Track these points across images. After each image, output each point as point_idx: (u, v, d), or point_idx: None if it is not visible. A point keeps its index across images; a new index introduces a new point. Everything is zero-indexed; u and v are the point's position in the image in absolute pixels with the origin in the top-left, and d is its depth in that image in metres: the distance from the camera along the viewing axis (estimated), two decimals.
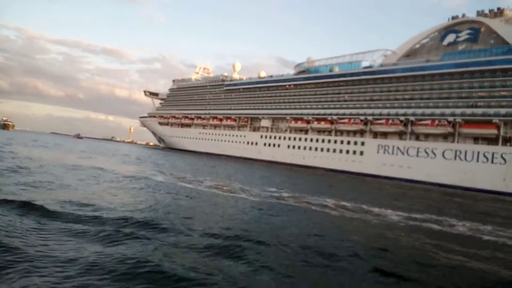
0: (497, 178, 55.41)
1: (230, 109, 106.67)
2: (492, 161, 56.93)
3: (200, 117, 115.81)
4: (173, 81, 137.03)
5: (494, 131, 57.65)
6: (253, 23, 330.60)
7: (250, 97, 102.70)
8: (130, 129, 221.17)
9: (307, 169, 75.56)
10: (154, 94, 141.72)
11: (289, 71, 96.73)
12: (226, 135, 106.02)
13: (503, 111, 57.28)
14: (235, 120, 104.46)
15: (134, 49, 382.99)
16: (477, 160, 58.37)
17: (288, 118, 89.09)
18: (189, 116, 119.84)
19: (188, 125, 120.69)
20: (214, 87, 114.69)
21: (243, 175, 38.51)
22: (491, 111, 58.43)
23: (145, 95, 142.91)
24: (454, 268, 9.83)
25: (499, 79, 59.20)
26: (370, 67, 77.80)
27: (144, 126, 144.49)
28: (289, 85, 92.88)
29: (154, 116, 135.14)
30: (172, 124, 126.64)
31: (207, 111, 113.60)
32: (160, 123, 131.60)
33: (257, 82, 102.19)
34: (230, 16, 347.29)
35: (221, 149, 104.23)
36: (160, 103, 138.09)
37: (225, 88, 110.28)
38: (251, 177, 37.00)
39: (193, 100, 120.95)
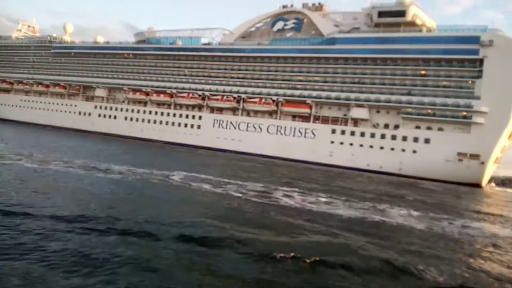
0: (308, 150, 65.31)
1: (59, 74, 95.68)
2: (305, 136, 66.67)
3: (21, 82, 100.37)
4: None
5: (308, 110, 67.36)
6: None
7: (83, 63, 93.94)
8: None
9: (145, 142, 74.41)
10: None
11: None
12: (54, 103, 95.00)
13: (314, 93, 67.26)
14: (64, 87, 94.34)
15: None
16: (294, 135, 67.48)
17: (125, 89, 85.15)
18: (8, 80, 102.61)
19: (7, 91, 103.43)
20: (40, 48, 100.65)
21: (73, 151, 35.22)
22: (306, 93, 67.90)
23: None
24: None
25: (313, 66, 68.93)
26: (209, 44, 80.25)
27: None
28: (128, 53, 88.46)
29: None
30: None
31: (29, 75, 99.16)
32: None
33: (92, 48, 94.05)
34: None
35: (48, 119, 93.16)
36: None
37: (53, 51, 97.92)
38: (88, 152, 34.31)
39: (12, 62, 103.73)
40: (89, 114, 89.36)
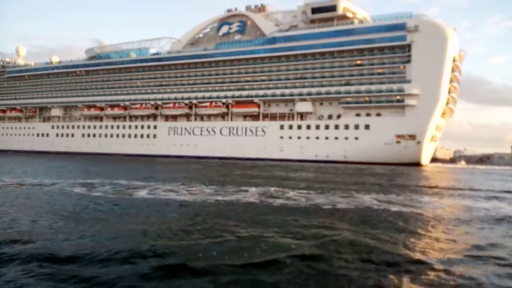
0: (261, 147, 67.33)
1: (15, 98, 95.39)
2: (256, 134, 68.70)
3: None
4: None
5: (256, 109, 69.47)
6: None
7: (37, 85, 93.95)
8: None
9: (104, 157, 74.97)
10: None
11: None
12: (11, 128, 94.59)
13: (261, 92, 69.41)
14: (21, 110, 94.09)
15: None
16: (246, 134, 69.46)
17: (80, 106, 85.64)
18: None
19: None
20: None
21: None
22: (253, 92, 70.01)
23: None
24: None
25: (258, 66, 71.13)
26: (158, 53, 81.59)
27: None
28: (80, 71, 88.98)
29: None
30: None
31: None
32: None
33: (44, 69, 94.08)
34: None
35: (8, 144, 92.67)
36: None
37: (7, 75, 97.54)
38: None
39: None
40: (47, 134, 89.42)
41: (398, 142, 58.85)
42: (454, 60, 58.97)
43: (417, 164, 58.32)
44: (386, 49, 61.84)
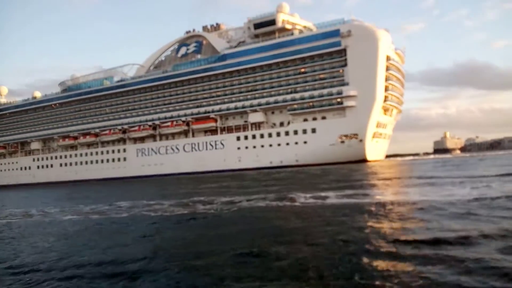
0: (220, 160, 70.76)
1: None
2: (215, 147, 72.23)
3: None
4: None
5: (214, 124, 73.10)
6: (67, 33, 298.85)
7: (18, 121, 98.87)
8: None
9: (81, 183, 78.76)
10: None
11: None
12: None
13: (217, 107, 73.08)
14: (4, 147, 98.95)
15: None
16: (206, 149, 73.05)
17: (56, 137, 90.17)
18: None
19: None
20: None
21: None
22: (210, 108, 73.68)
23: None
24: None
25: (212, 83, 74.85)
26: (122, 80, 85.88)
27: None
28: (54, 104, 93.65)
29: None
30: None
31: None
32: None
33: (23, 105, 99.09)
34: (35, 29, 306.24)
35: None
36: None
37: None
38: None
39: None
40: (29, 167, 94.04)
41: (342, 142, 61.93)
42: (388, 59, 62.11)
43: (363, 161, 61.24)
44: (325, 55, 65.24)
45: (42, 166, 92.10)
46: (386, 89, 62.10)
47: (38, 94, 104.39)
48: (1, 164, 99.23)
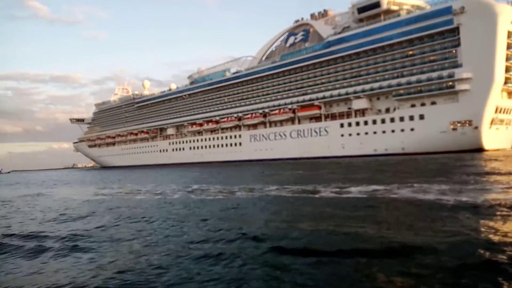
0: (324, 146, 72.75)
1: (143, 123, 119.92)
2: (320, 134, 74.28)
3: (119, 135, 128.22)
4: (95, 105, 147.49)
5: (318, 111, 74.94)
6: (199, 27, 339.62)
7: (157, 110, 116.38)
8: None
9: (206, 164, 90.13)
10: (80, 120, 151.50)
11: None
12: (142, 147, 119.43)
13: (321, 95, 74.55)
14: (147, 132, 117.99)
15: (84, 71, 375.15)
16: (311, 135, 75.64)
17: (186, 124, 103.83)
18: (111, 135, 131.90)
19: (113, 144, 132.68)
20: (128, 105, 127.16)
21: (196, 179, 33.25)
22: (314, 96, 75.59)
23: (71, 122, 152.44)
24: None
25: (317, 70, 76.32)
26: (237, 72, 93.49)
27: (78, 150, 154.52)
28: (185, 95, 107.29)
29: (83, 140, 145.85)
30: (100, 145, 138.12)
31: (124, 128, 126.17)
32: (90, 146, 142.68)
33: (161, 96, 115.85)
34: (172, 23, 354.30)
35: (141, 160, 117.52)
36: (88, 127, 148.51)
37: (136, 105, 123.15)
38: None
39: (112, 120, 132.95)
40: (166, 150, 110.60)
41: (454, 129, 57.49)
42: (509, 36, 54.57)
43: (479, 150, 55.98)
44: (435, 35, 60.53)
45: (176, 149, 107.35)
46: (507, 70, 54.88)
47: (173, 86, 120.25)
48: (145, 147, 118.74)
